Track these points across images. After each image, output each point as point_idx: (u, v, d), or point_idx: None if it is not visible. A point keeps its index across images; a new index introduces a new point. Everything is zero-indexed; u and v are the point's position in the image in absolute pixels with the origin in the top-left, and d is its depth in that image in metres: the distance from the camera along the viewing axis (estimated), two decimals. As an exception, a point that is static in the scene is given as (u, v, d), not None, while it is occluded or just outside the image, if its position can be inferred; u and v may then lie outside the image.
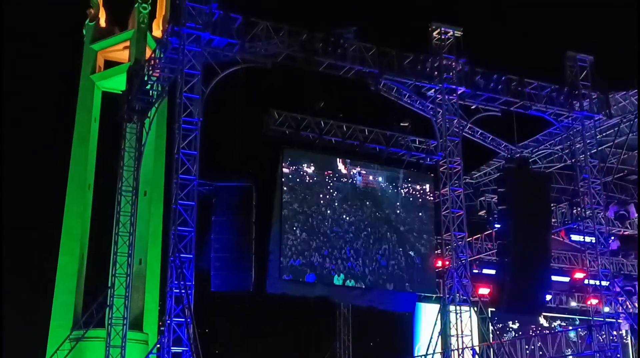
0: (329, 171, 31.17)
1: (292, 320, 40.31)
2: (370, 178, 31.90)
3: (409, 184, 32.61)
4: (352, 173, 31.57)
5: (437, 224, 32.15)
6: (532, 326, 41.32)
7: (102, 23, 42.65)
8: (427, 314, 36.87)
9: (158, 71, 30.32)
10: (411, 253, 31.80)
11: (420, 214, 32.46)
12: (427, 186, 32.87)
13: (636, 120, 36.56)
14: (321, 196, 30.68)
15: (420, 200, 32.60)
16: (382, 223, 31.51)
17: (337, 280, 29.73)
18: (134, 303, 34.14)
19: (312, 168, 30.77)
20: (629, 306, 34.27)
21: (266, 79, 30.15)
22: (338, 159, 31.47)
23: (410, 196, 32.44)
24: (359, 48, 30.22)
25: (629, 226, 40.25)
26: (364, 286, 30.60)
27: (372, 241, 31.13)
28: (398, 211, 32.12)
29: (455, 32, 31.87)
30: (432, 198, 32.70)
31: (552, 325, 42.20)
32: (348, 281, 30.01)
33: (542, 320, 41.50)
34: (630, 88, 35.72)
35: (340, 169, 31.38)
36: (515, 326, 41.10)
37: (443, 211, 31.49)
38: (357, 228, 30.84)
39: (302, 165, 30.59)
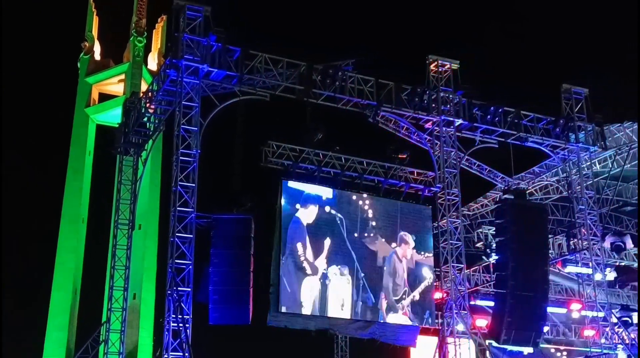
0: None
1: (290, 353, 39.93)
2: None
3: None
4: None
5: (435, 256, 32.08)
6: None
7: (97, 56, 42.89)
8: (423, 347, 36.44)
9: (155, 103, 30.31)
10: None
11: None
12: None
13: (631, 152, 36.92)
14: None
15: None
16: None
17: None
18: (127, 339, 33.68)
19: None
20: (626, 338, 34.17)
21: (265, 111, 30.15)
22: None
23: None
24: (358, 80, 30.40)
25: (625, 257, 40.33)
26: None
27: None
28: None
29: (452, 64, 32.12)
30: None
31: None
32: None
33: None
34: (625, 120, 36.04)
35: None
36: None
37: (441, 242, 31.44)
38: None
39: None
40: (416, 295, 31.46)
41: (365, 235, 30.82)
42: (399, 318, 31.03)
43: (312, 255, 29.42)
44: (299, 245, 29.33)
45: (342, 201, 30.57)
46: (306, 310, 29.21)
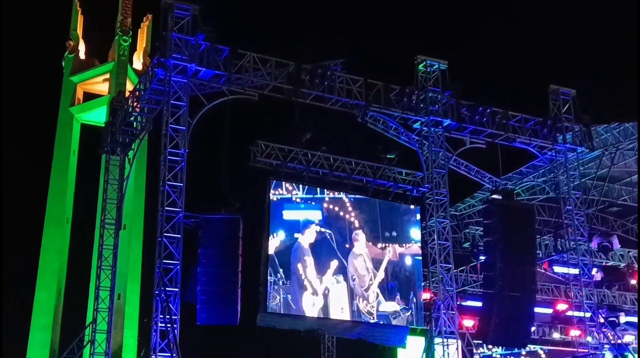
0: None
1: (278, 353, 39.89)
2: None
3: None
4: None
5: (424, 256, 32.07)
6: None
7: (82, 55, 42.63)
8: (411, 347, 36.45)
9: (143, 102, 30.10)
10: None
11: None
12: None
13: (617, 152, 37.12)
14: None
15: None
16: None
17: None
18: (112, 339, 33.50)
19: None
20: (611, 338, 34.34)
21: (253, 111, 30.01)
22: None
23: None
24: (346, 80, 30.29)
25: (611, 257, 40.53)
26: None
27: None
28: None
29: (441, 65, 32.07)
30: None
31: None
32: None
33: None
34: (611, 121, 36.18)
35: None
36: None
37: (429, 243, 31.42)
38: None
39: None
40: (381, 274, 31.91)
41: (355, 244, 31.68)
42: (388, 306, 31.59)
43: (314, 273, 30.38)
44: (299, 266, 30.18)
45: (330, 220, 31.31)
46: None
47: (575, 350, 34.31)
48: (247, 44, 29.03)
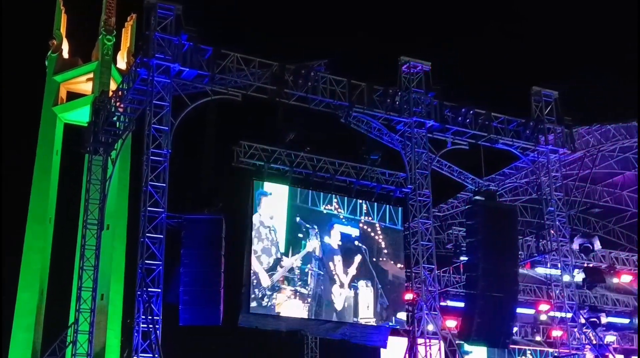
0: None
1: (261, 354, 39.86)
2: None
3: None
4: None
5: (406, 257, 32.20)
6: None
7: (65, 54, 42.45)
8: (394, 348, 36.59)
9: (125, 102, 30.03)
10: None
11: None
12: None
13: (599, 154, 37.38)
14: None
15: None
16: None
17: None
18: (95, 340, 33.39)
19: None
20: (593, 338, 34.55)
21: (236, 111, 29.97)
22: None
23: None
24: (330, 81, 30.33)
25: (592, 258, 40.72)
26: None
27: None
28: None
29: (424, 66, 32.15)
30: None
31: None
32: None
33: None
34: (593, 123, 36.42)
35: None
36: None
37: (412, 243, 31.53)
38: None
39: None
40: None
41: (381, 259, 33.28)
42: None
43: (341, 269, 32.12)
44: (330, 263, 31.78)
45: (365, 237, 32.94)
46: (337, 305, 31.61)
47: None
48: (231, 44, 29.03)
